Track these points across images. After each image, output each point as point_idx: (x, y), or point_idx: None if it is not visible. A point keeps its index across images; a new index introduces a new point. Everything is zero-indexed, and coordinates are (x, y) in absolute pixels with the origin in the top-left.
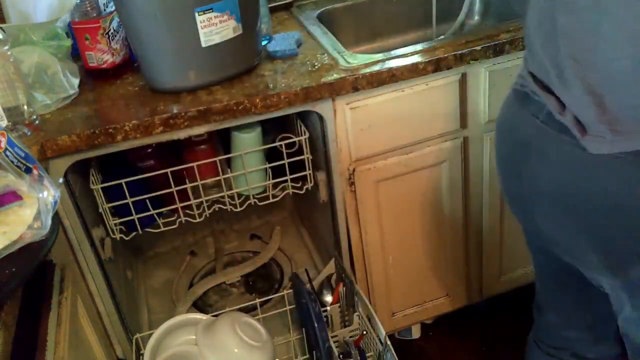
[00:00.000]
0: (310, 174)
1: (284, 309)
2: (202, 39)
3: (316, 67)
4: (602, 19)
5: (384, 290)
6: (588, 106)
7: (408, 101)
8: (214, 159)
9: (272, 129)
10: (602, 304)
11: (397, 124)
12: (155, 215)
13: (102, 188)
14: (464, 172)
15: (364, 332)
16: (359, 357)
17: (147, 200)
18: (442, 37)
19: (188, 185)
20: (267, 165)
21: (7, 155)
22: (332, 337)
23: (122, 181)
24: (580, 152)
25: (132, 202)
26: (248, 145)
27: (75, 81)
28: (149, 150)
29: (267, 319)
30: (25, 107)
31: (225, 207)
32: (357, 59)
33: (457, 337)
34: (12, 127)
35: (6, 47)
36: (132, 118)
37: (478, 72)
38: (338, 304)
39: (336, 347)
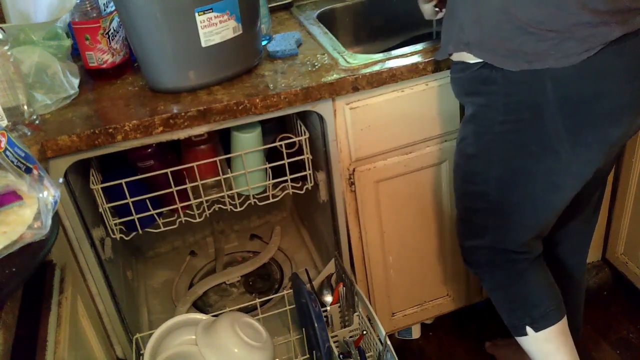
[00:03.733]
0: (310, 174)
1: (284, 309)
2: (202, 39)
3: (316, 67)
4: None
5: (384, 290)
6: None
7: (408, 101)
8: (214, 159)
9: (272, 129)
10: None
11: (397, 124)
12: (155, 215)
13: (102, 188)
14: None
15: (364, 332)
16: (359, 357)
17: (147, 200)
18: None
19: (188, 185)
20: (267, 165)
21: (7, 155)
22: (332, 337)
23: (122, 181)
24: None
25: (132, 202)
26: (248, 145)
27: (75, 81)
28: (149, 150)
29: (267, 319)
30: (25, 107)
31: (225, 207)
32: (357, 59)
33: (457, 337)
34: (12, 127)
35: (6, 47)
36: (132, 118)
37: None
38: (338, 304)
39: (336, 347)
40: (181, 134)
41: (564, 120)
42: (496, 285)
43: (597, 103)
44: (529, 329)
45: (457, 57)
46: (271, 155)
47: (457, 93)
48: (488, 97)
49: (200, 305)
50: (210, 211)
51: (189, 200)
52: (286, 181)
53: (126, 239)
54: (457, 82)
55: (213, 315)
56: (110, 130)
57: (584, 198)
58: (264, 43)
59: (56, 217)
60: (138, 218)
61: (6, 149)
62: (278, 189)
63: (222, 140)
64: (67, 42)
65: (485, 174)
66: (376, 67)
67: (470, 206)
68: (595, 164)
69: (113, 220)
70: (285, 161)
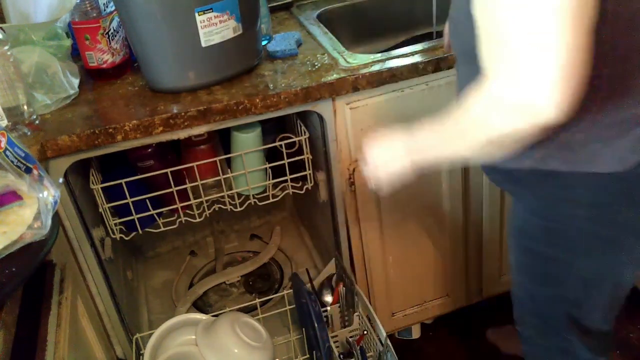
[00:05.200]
0: (310, 174)
1: (284, 309)
2: (202, 39)
3: (316, 67)
4: None
5: (384, 290)
6: None
7: (408, 101)
8: (214, 159)
9: (272, 129)
10: None
11: (397, 124)
12: (155, 215)
13: (102, 188)
14: (464, 173)
15: (364, 332)
16: (360, 357)
17: (147, 200)
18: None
19: (188, 185)
20: (267, 165)
21: (7, 155)
22: (332, 337)
23: (122, 181)
24: None
25: (132, 202)
26: (248, 145)
27: (75, 81)
28: (149, 150)
29: (267, 319)
30: (25, 107)
31: (225, 207)
32: (357, 59)
33: (457, 337)
34: (12, 127)
35: (6, 47)
36: (132, 118)
37: None
38: (338, 304)
39: (336, 347)
40: (181, 134)
41: None
42: None
43: None
44: None
45: None
46: (271, 155)
47: (499, 181)
48: (563, 191)
49: (200, 305)
50: (210, 211)
51: (189, 200)
52: (286, 181)
53: (126, 239)
54: (501, 172)
55: (213, 315)
56: (110, 130)
57: None
58: (264, 43)
59: (56, 217)
60: (138, 218)
61: (6, 149)
62: (278, 189)
63: (222, 140)
64: (67, 42)
65: (565, 275)
66: (376, 67)
67: (545, 311)
68: None
69: (113, 220)
70: (285, 161)
